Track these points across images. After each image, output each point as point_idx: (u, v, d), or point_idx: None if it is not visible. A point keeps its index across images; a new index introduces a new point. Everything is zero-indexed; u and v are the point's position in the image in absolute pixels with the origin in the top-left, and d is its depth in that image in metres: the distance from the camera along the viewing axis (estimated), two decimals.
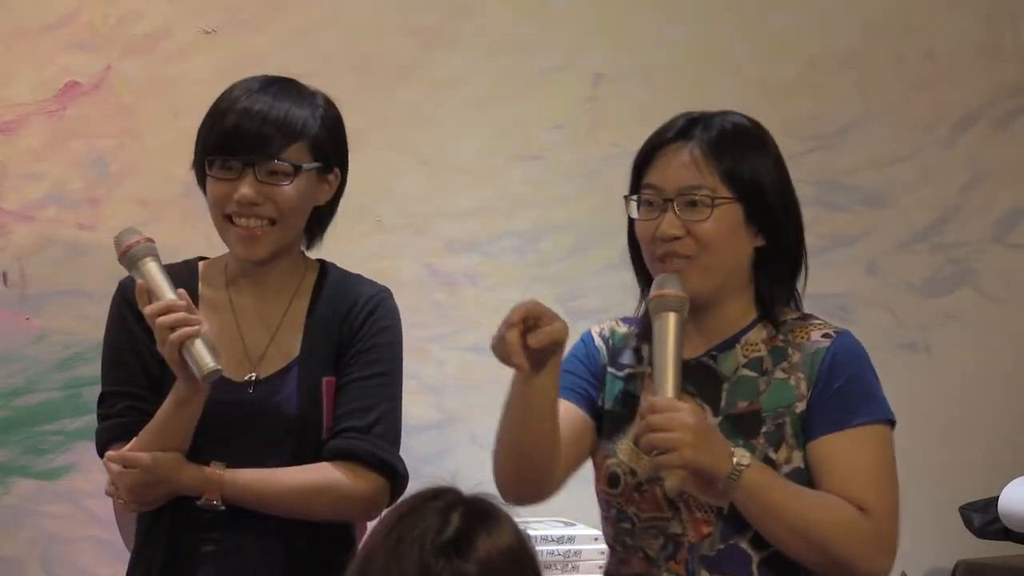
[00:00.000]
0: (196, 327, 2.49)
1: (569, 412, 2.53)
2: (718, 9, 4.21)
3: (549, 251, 4.15)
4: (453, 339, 4.08)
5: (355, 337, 2.68)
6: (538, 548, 3.68)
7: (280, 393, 2.64)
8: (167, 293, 2.51)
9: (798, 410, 2.44)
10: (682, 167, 2.45)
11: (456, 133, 4.07)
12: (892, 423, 2.49)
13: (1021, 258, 4.39)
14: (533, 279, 4.12)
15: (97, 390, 2.72)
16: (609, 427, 2.53)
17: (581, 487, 4.18)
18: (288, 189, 2.60)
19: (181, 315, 2.49)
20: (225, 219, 2.62)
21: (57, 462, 3.84)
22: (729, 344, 2.50)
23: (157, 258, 2.56)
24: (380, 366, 2.69)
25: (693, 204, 2.44)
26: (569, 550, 3.70)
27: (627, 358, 2.55)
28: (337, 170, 2.69)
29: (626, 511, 2.53)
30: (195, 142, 2.66)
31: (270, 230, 2.61)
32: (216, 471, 2.58)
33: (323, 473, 2.62)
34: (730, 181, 2.45)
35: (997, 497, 3.92)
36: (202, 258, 2.76)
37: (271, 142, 2.59)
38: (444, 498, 1.85)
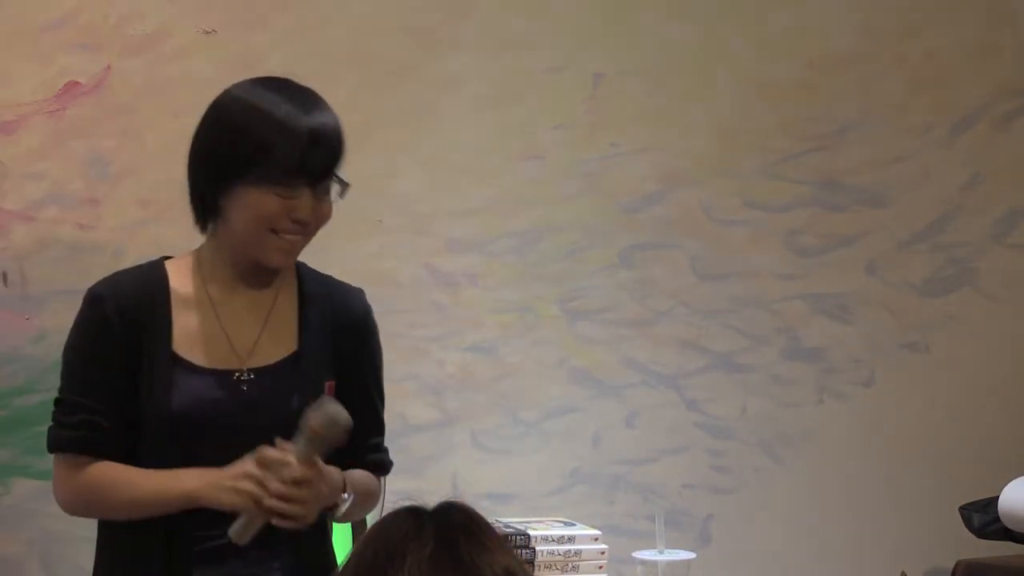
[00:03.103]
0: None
1: None
2: (718, 9, 4.21)
3: (549, 251, 4.15)
4: (453, 339, 4.08)
5: (361, 345, 2.72)
6: (538, 548, 3.70)
7: (274, 387, 2.62)
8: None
9: None
10: None
11: (456, 133, 4.07)
12: None
13: (1021, 258, 4.39)
14: (533, 279, 4.12)
15: None
16: None
17: (581, 487, 4.19)
18: (329, 203, 2.61)
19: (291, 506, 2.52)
20: (269, 231, 2.58)
21: None
22: None
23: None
24: (379, 373, 2.77)
25: None
26: (569, 550, 3.70)
27: None
28: None
29: None
30: (248, 156, 2.56)
31: (303, 240, 2.63)
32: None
33: (375, 481, 2.76)
34: None
35: (997, 497, 3.91)
36: (166, 258, 2.72)
37: (336, 161, 2.60)
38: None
